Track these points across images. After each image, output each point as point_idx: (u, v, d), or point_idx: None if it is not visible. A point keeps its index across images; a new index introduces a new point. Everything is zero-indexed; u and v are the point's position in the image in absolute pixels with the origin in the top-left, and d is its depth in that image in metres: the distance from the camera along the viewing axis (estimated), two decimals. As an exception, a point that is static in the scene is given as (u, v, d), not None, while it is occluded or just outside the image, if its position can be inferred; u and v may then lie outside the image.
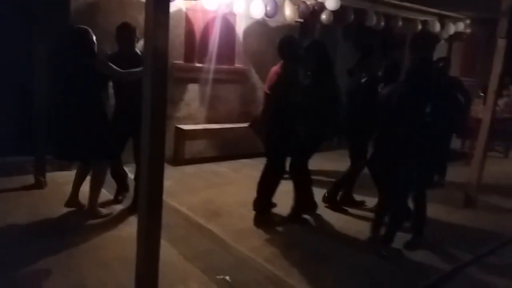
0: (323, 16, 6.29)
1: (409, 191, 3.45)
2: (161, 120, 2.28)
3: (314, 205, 4.08)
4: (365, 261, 3.29)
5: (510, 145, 7.44)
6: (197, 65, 5.82)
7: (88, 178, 3.77)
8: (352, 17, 6.62)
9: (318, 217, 4.06)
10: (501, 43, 4.41)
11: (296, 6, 6.11)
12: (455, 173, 5.52)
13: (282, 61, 3.70)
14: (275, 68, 3.73)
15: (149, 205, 2.35)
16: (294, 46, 3.73)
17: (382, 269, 3.20)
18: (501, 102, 6.70)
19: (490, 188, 5.13)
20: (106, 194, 4.07)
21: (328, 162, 5.80)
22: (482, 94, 6.29)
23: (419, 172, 3.50)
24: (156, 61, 2.19)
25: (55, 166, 4.68)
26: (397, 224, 3.45)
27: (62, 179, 4.53)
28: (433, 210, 4.06)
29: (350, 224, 3.97)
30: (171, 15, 2.28)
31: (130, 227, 3.31)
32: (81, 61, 3.42)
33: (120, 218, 3.75)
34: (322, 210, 4.18)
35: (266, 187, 3.81)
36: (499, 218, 4.46)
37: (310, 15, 6.27)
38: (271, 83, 3.70)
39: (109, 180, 3.98)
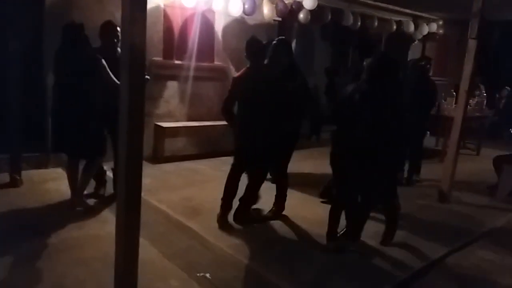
0: (301, 15, 6.37)
1: (364, 189, 3.33)
2: (139, 118, 2.26)
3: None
4: (343, 257, 3.35)
5: (481, 143, 7.67)
6: (176, 62, 5.80)
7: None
8: (329, 16, 6.72)
9: (297, 214, 4.10)
10: (472, 43, 4.52)
11: (274, 5, 6.15)
12: (429, 170, 5.70)
13: (249, 63, 3.72)
14: (242, 71, 3.73)
15: (127, 203, 2.33)
16: (260, 46, 3.76)
17: (358, 264, 3.27)
18: (472, 101, 6.94)
19: (462, 184, 5.28)
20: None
21: (306, 160, 5.88)
22: (455, 93, 6.48)
23: (381, 173, 3.32)
24: (133, 58, 2.18)
25: (31, 164, 4.60)
26: (357, 220, 3.41)
27: (38, 177, 4.44)
28: (408, 206, 4.17)
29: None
30: (149, 12, 2.27)
31: (109, 226, 3.27)
32: (83, 62, 3.48)
33: (99, 216, 3.71)
34: (299, 206, 4.24)
35: (233, 189, 3.75)
36: (471, 214, 4.59)
37: (288, 14, 6.33)
38: (239, 80, 3.66)
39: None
